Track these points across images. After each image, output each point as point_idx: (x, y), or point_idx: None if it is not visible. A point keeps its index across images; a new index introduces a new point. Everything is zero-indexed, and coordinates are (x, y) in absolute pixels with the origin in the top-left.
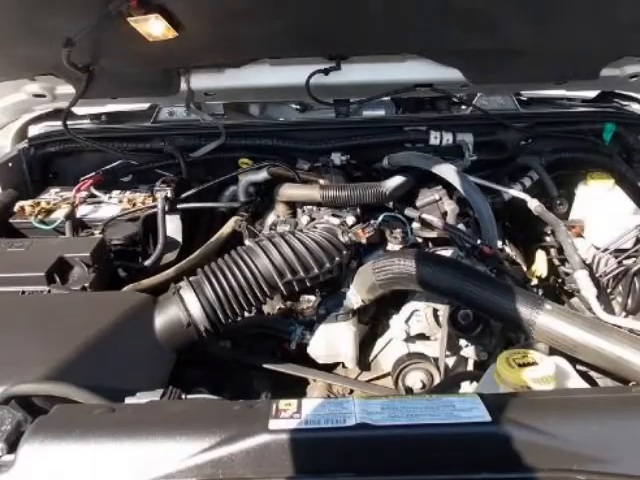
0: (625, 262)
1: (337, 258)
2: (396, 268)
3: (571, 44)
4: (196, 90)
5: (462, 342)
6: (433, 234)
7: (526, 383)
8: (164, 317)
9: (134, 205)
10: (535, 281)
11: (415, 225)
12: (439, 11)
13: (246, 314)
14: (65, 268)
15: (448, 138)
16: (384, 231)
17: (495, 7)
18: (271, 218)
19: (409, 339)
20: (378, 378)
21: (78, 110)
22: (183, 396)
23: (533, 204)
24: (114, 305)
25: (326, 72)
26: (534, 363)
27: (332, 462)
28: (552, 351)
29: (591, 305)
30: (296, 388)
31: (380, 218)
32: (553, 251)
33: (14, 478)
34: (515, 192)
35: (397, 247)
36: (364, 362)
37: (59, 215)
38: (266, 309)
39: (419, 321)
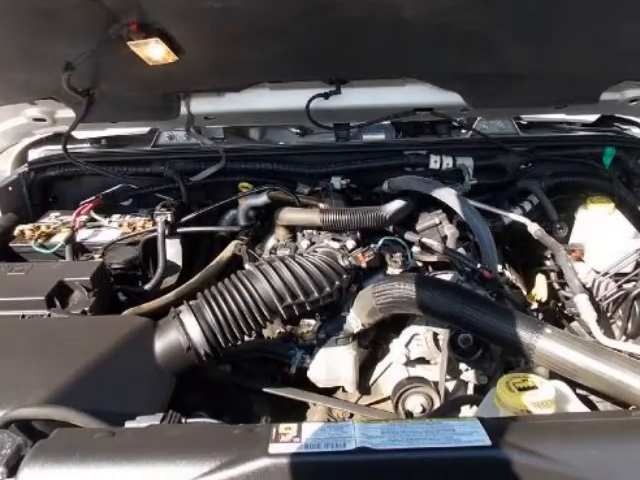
0: (625, 286)
1: (337, 282)
2: (396, 292)
3: (571, 68)
4: (196, 114)
5: (462, 366)
6: (433, 258)
7: (526, 407)
8: (164, 341)
9: (134, 229)
10: (535, 305)
11: (415, 249)
12: (437, 35)
13: (246, 338)
14: (65, 292)
15: (448, 162)
16: (384, 255)
17: (493, 30)
18: (271, 242)
19: (409, 363)
20: (378, 402)
21: (78, 134)
22: (183, 420)
23: (533, 228)
24: (114, 329)
25: (326, 96)
26: (534, 387)
27: None
28: (552, 375)
29: (591, 329)
30: (296, 412)
31: (380, 242)
32: (553, 275)
33: None
34: (515, 216)
35: (397, 271)
36: (364, 386)
37: (59, 239)
38: (266, 333)
39: (419, 345)
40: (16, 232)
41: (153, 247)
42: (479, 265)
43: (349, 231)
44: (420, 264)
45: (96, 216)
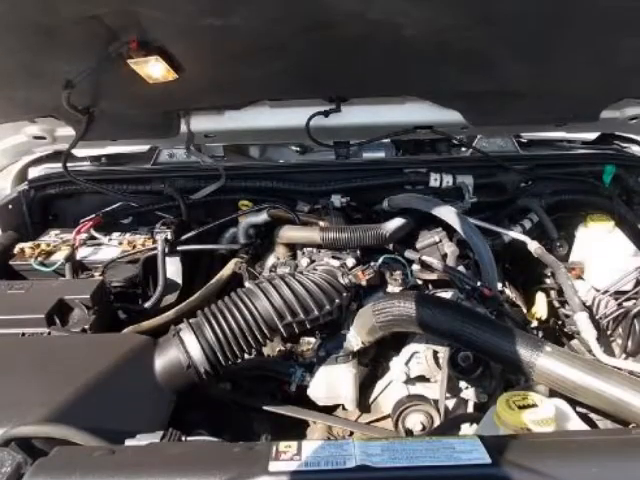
0: (625, 304)
1: (337, 300)
2: (396, 310)
3: (571, 86)
4: (196, 132)
5: (462, 384)
6: (433, 276)
7: (526, 425)
8: (164, 359)
9: (134, 247)
10: (535, 323)
11: (415, 267)
12: (438, 53)
13: (246, 356)
14: (65, 310)
15: (448, 180)
16: (384, 273)
17: (493, 48)
18: (271, 260)
19: (409, 381)
20: (378, 420)
21: (78, 152)
22: (183, 438)
23: (533, 246)
24: (114, 347)
25: (326, 114)
26: (534, 405)
27: None
28: (552, 393)
29: (591, 347)
30: (296, 430)
31: (380, 260)
32: (553, 293)
33: None
34: (515, 234)
35: (397, 289)
36: (364, 404)
37: (59, 257)
38: (266, 351)
39: (419, 363)
40: (16, 250)
41: (153, 265)
42: (479, 283)
43: (349, 249)
44: (420, 282)
45: (96, 234)
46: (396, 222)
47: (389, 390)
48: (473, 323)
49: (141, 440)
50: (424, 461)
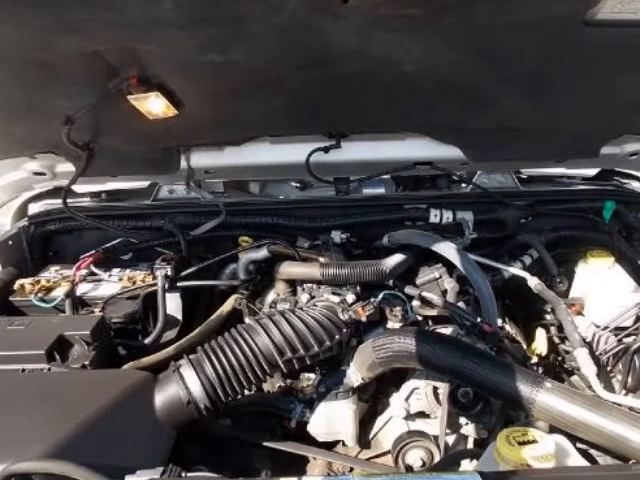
0: (625, 340)
1: (337, 336)
2: (396, 346)
3: (570, 122)
4: (196, 168)
5: (462, 420)
6: (433, 312)
7: (526, 461)
8: (164, 395)
9: (134, 283)
10: (535, 359)
11: (415, 303)
12: (437, 89)
13: (246, 392)
14: (65, 346)
15: (448, 216)
16: (384, 309)
17: (492, 84)
18: (271, 296)
19: (409, 417)
20: (378, 456)
21: (78, 188)
22: (183, 474)
23: (533, 282)
24: (114, 383)
25: (326, 150)
26: (534, 441)
27: None
28: (552, 429)
29: (591, 383)
30: (296, 466)
31: (380, 296)
32: (553, 329)
33: None
34: (515, 270)
35: (397, 325)
36: (364, 440)
37: (59, 293)
38: (266, 387)
39: (419, 399)
40: (16, 286)
41: (153, 301)
42: (479, 319)
43: (349, 285)
44: (420, 318)
45: (96, 270)
46: (396, 258)
47: (389, 426)
48: (473, 359)
49: (141, 476)
50: None
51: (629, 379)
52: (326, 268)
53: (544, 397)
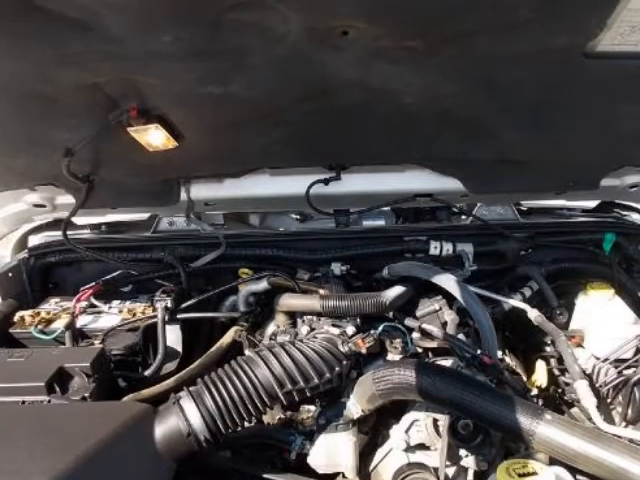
0: (625, 372)
1: (337, 368)
2: (396, 378)
3: (570, 154)
4: (196, 200)
5: (462, 452)
6: (433, 344)
7: None
8: (164, 427)
9: (134, 315)
10: (535, 391)
11: (415, 335)
12: (437, 121)
13: (246, 424)
14: (65, 378)
15: (448, 248)
16: (384, 341)
17: (492, 116)
18: (271, 328)
19: (409, 449)
20: None
21: (78, 220)
22: None
23: (533, 314)
24: (114, 415)
25: (326, 182)
26: (534, 473)
27: None
28: (552, 461)
29: (591, 415)
30: None
31: (380, 328)
32: (553, 361)
33: None
34: (515, 302)
35: (397, 357)
36: (364, 472)
37: (59, 325)
38: (266, 419)
39: (419, 431)
40: (16, 318)
41: (153, 333)
42: (479, 351)
43: (349, 317)
44: (420, 350)
45: (96, 302)
46: (396, 290)
47: (389, 458)
48: (473, 391)
49: None
50: None
51: (629, 411)
52: (326, 300)
53: (544, 429)
